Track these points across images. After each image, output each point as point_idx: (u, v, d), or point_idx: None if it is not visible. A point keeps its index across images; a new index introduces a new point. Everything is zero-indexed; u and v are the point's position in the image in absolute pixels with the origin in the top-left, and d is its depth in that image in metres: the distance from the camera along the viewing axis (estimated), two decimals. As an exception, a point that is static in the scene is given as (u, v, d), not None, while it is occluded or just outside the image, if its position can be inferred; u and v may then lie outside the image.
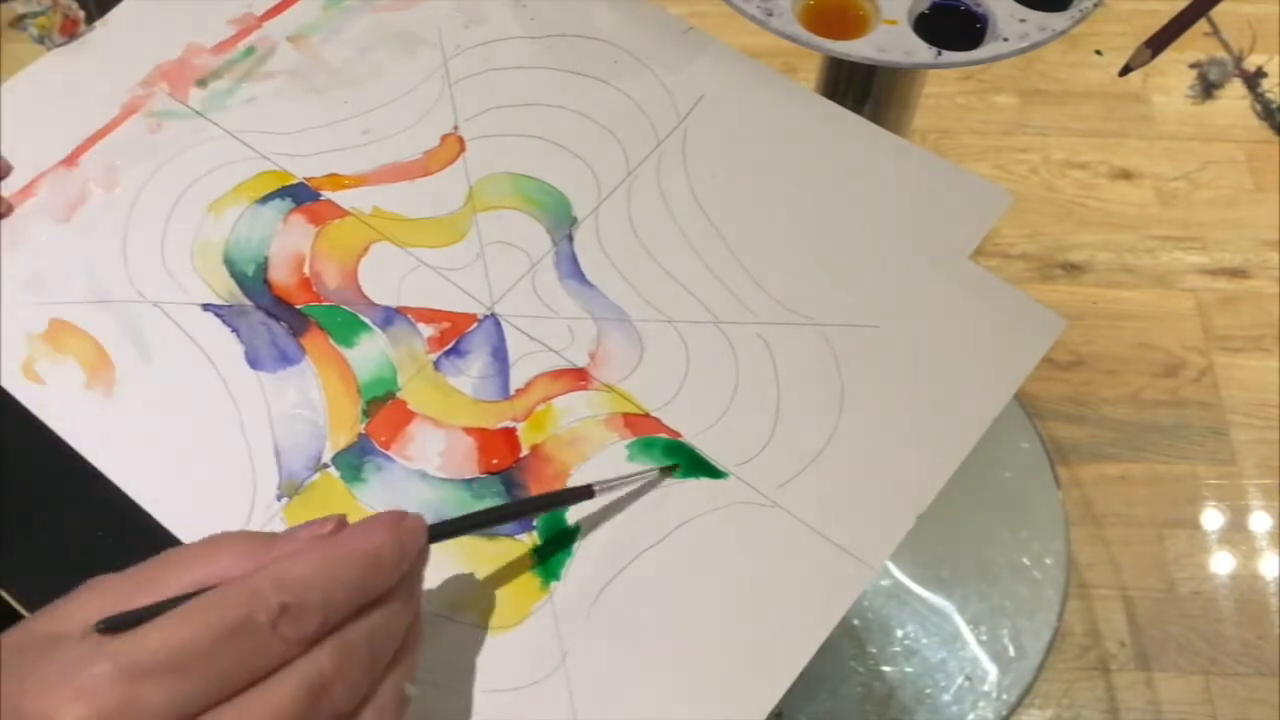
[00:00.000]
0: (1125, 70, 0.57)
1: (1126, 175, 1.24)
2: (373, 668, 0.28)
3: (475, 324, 0.45)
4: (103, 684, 0.25)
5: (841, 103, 0.50)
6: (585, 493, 0.38)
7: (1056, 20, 0.53)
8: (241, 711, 0.26)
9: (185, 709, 0.25)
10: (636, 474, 0.40)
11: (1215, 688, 0.93)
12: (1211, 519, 1.02)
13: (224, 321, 0.45)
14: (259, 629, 0.26)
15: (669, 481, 0.40)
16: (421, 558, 0.31)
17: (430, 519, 0.40)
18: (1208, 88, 1.30)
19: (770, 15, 0.54)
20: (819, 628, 0.37)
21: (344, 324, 0.45)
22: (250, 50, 0.53)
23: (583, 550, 0.39)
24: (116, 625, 0.26)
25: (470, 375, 0.43)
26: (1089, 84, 1.31)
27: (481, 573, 0.39)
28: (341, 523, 0.30)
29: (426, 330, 0.45)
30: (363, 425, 0.42)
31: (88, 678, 0.25)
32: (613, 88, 0.51)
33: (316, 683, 0.27)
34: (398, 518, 0.30)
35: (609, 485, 0.39)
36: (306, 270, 0.46)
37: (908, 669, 0.91)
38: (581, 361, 0.44)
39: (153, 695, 0.25)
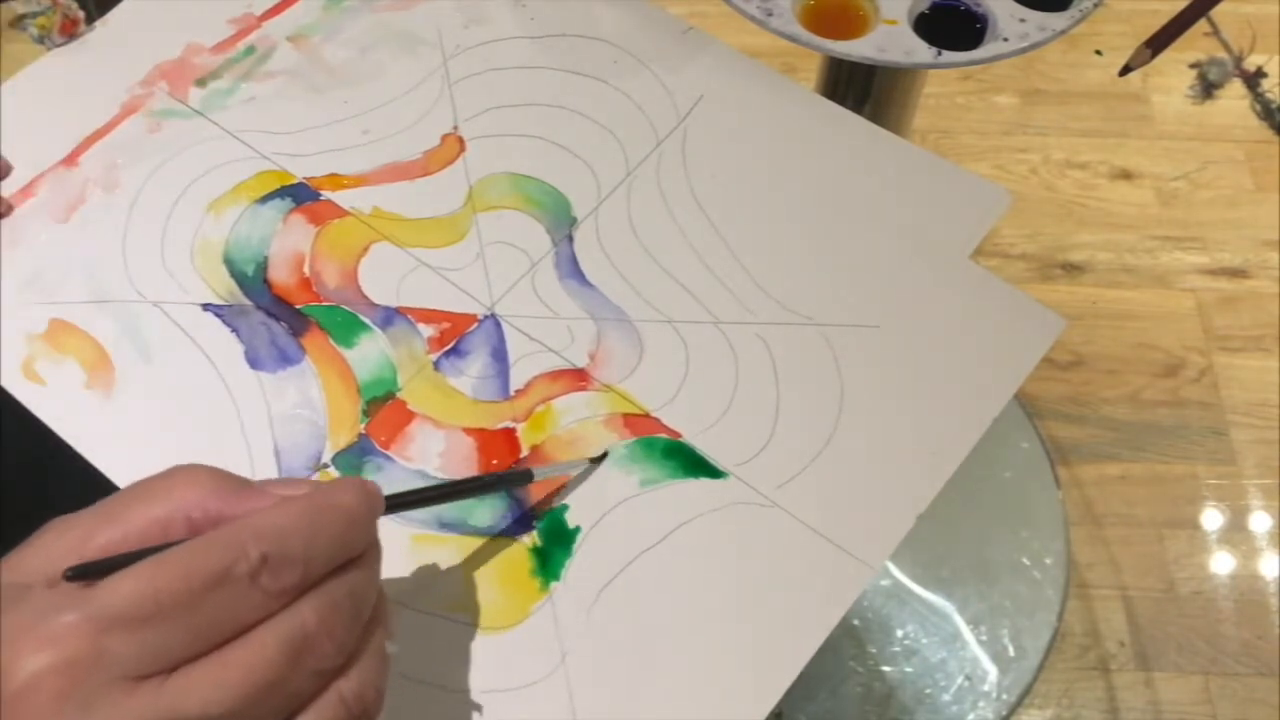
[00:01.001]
0: (1125, 70, 0.57)
1: (1126, 175, 1.24)
2: (356, 624, 0.27)
3: (475, 324, 0.45)
4: (70, 632, 0.24)
5: (841, 103, 0.50)
6: (526, 476, 0.38)
7: (1056, 20, 0.53)
8: (218, 665, 0.25)
9: (158, 661, 0.24)
10: (573, 462, 0.40)
11: (1215, 688, 0.93)
12: (1211, 519, 1.02)
13: (224, 321, 0.45)
14: (238, 580, 0.25)
15: (669, 482, 0.40)
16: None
17: (431, 520, 0.40)
18: (1208, 88, 1.30)
19: (770, 15, 0.54)
20: (819, 628, 0.37)
21: (344, 324, 0.45)
22: (250, 50, 0.53)
23: (583, 550, 0.39)
24: (87, 573, 0.25)
25: (470, 375, 0.43)
26: (1089, 84, 1.31)
27: (481, 573, 0.39)
28: (315, 485, 0.29)
29: (426, 330, 0.45)
30: (363, 425, 0.42)
31: (54, 626, 0.24)
32: (612, 88, 0.51)
33: (299, 637, 0.26)
34: (362, 481, 0.29)
35: (547, 471, 0.39)
36: (306, 270, 0.46)
37: (908, 669, 0.91)
38: (581, 362, 0.44)
39: (123, 645, 0.24)
